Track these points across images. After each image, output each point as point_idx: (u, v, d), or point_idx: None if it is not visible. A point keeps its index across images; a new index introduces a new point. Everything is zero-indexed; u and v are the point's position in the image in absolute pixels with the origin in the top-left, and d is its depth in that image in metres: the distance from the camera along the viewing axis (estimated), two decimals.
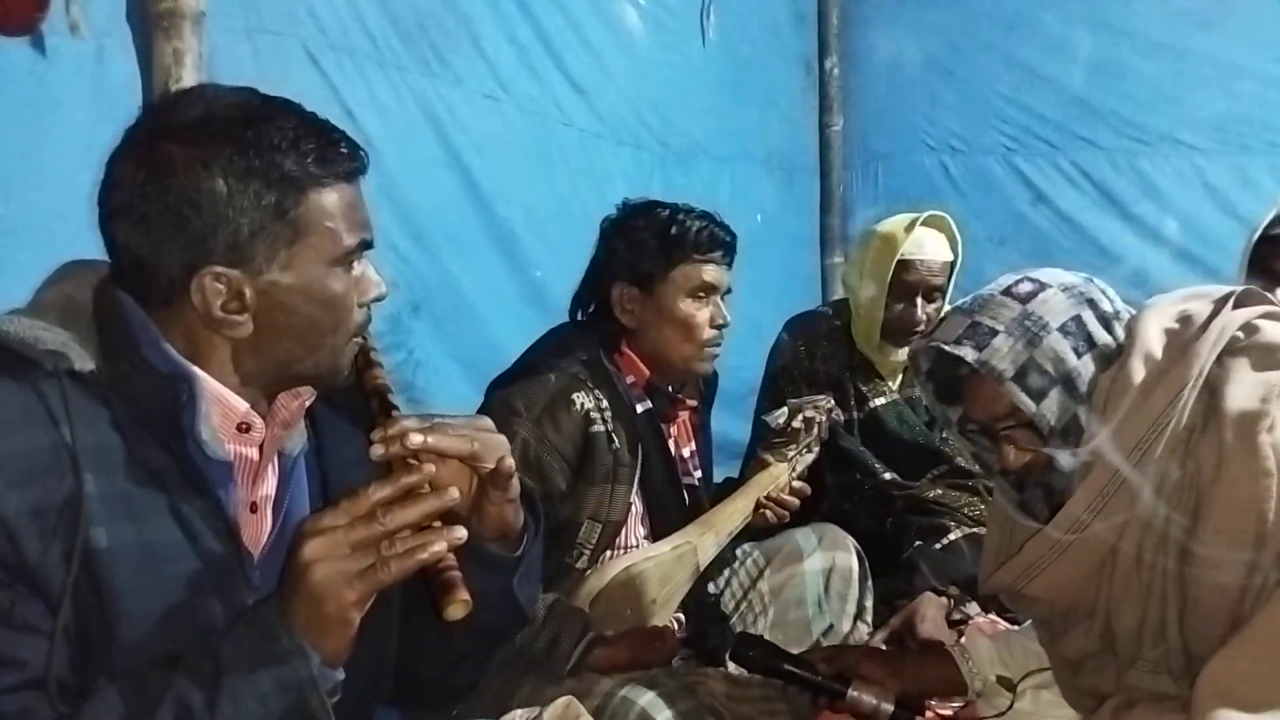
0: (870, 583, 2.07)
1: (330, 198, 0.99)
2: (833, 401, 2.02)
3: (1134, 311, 1.34)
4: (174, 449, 0.96)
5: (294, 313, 0.99)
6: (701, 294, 1.85)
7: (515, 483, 1.06)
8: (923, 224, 2.40)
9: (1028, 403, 1.28)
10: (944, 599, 2.12)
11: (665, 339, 1.85)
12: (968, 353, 1.30)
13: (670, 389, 1.92)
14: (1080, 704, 1.38)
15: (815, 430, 1.95)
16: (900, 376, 2.52)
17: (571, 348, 1.84)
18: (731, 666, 1.81)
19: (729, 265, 1.89)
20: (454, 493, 0.93)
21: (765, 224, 3.64)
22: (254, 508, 1.03)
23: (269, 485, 1.04)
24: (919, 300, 2.38)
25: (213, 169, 0.95)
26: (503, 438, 1.06)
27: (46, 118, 1.73)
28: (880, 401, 2.48)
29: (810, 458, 1.96)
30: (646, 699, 1.49)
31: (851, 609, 2.03)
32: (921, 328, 2.39)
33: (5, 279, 1.42)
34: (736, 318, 2.72)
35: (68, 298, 0.99)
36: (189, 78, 1.81)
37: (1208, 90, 3.25)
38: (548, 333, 1.93)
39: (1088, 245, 3.49)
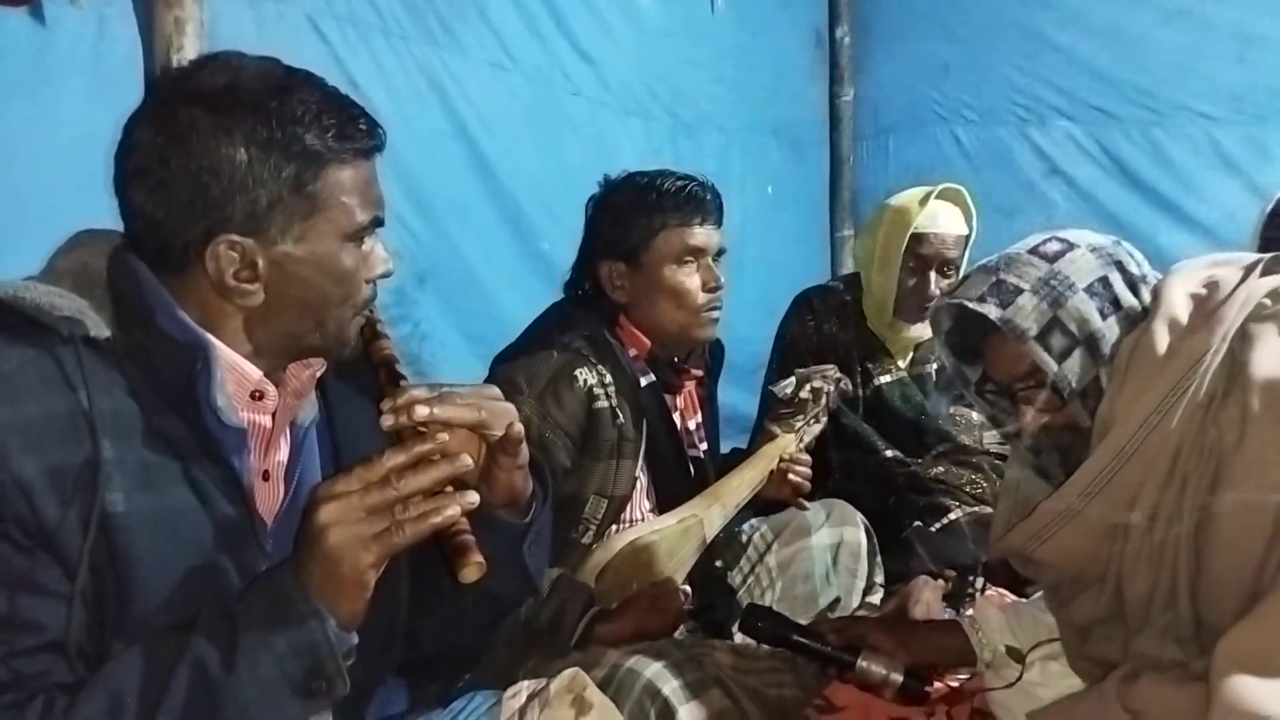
0: (880, 559, 2.06)
1: (347, 173, 1.00)
2: (839, 371, 2.01)
3: (1161, 276, 1.32)
4: (189, 416, 0.97)
5: (305, 285, 1.00)
6: (689, 258, 1.81)
7: (524, 449, 1.07)
8: (937, 197, 2.37)
9: (1049, 363, 1.26)
10: (939, 581, 2.11)
11: (659, 310, 1.82)
12: (991, 310, 1.28)
13: (674, 360, 1.90)
14: (1088, 673, 1.37)
15: (823, 400, 1.93)
16: (911, 354, 2.50)
17: (574, 323, 1.82)
18: (739, 637, 1.81)
19: (716, 225, 1.85)
20: (466, 459, 0.95)
21: (775, 195, 3.62)
22: (266, 475, 1.04)
23: (282, 453, 1.05)
24: (932, 275, 2.35)
25: (235, 137, 0.95)
26: (510, 405, 1.07)
27: (47, 88, 1.71)
28: (885, 379, 2.46)
29: (817, 428, 1.94)
30: (653, 670, 1.49)
31: (861, 584, 2.03)
32: (933, 303, 2.36)
33: (6, 249, 1.42)
34: (747, 290, 2.73)
35: (83, 265, 0.99)
36: (190, 47, 1.80)
37: (1223, 60, 3.20)
38: (550, 308, 1.92)
39: (1101, 217, 3.44)
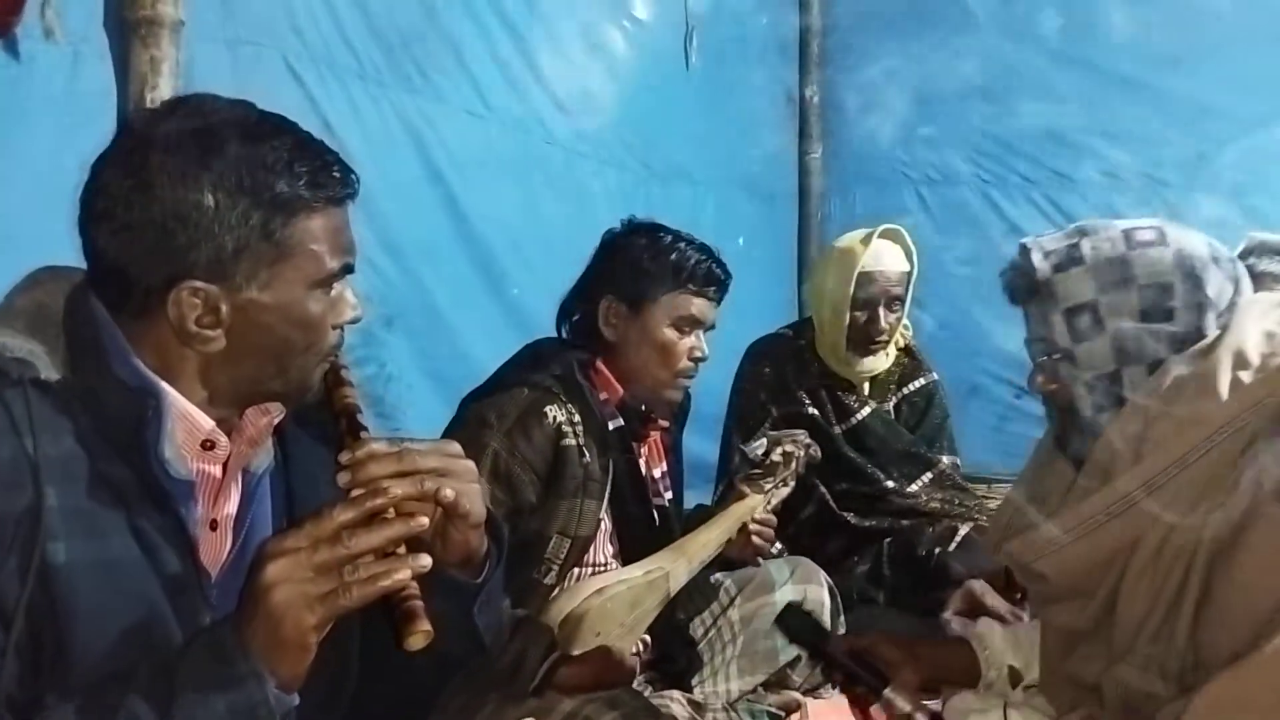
0: (842, 617, 2.08)
1: (318, 221, 0.99)
2: (809, 438, 2.04)
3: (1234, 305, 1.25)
4: (137, 463, 0.94)
5: (269, 331, 0.99)
6: (686, 326, 1.86)
7: (480, 511, 1.04)
8: (879, 237, 2.47)
9: (1064, 337, 1.23)
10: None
11: (643, 359, 1.85)
12: (1041, 265, 1.25)
13: (643, 408, 1.92)
14: (1057, 695, 1.34)
15: (793, 465, 1.96)
16: (868, 387, 2.57)
17: (546, 362, 1.84)
18: (706, 686, 1.81)
19: (718, 302, 1.91)
20: (421, 519, 0.92)
21: (746, 247, 3.66)
22: (214, 525, 1.01)
23: (231, 503, 1.03)
24: (881, 310, 2.45)
25: (203, 183, 0.94)
26: (471, 465, 1.03)
27: (19, 123, 1.72)
28: (865, 412, 2.54)
29: (785, 491, 1.96)
30: (608, 718, 1.49)
31: None
32: (883, 337, 2.47)
33: None
34: (716, 339, 2.73)
35: (39, 305, 0.98)
36: (166, 87, 1.81)
37: (1179, 129, 3.31)
38: (523, 348, 1.94)
39: None
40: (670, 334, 1.85)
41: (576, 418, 1.79)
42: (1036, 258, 1.26)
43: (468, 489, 1.00)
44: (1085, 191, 3.50)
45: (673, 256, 1.85)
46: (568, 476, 1.77)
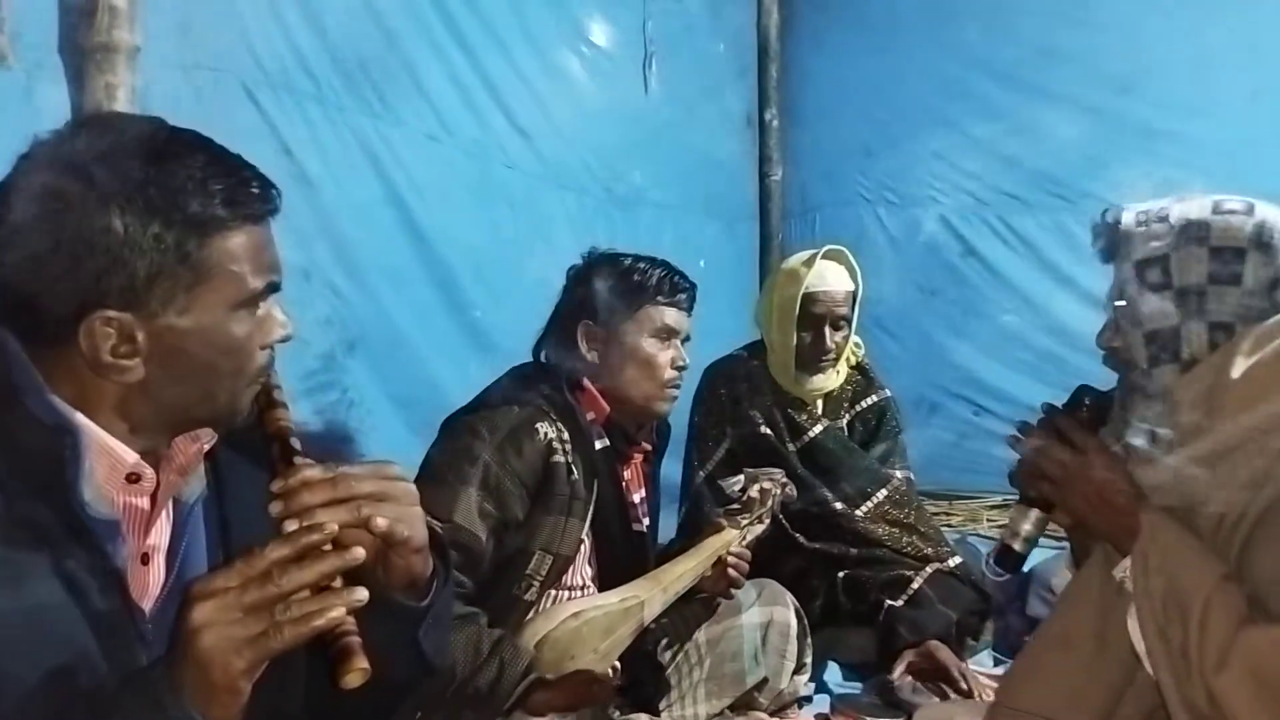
0: (809, 639, 2.09)
1: (236, 240, 0.95)
2: (785, 476, 2.07)
3: None
4: (57, 504, 0.90)
5: (191, 357, 0.95)
6: (664, 336, 1.90)
7: (422, 534, 1.00)
8: (822, 258, 2.52)
9: (1132, 288, 1.25)
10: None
11: (627, 376, 1.88)
12: (1127, 220, 1.28)
13: (628, 431, 1.93)
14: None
15: (769, 502, 1.99)
16: (821, 405, 2.62)
17: (535, 381, 1.86)
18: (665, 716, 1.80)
19: (689, 312, 1.95)
20: (358, 552, 0.88)
21: (707, 269, 3.68)
22: (145, 559, 0.98)
23: (163, 534, 1.00)
24: (826, 330, 2.50)
25: (110, 207, 0.90)
26: (411, 487, 0.99)
27: None
28: (818, 429, 2.58)
29: (760, 529, 1.99)
30: None
31: (790, 664, 2.06)
32: (830, 355, 2.53)
33: None
34: None
35: None
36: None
37: (1127, 150, 3.40)
38: (510, 370, 1.95)
39: (1014, 297, 3.62)
40: (651, 345, 1.89)
41: (566, 436, 1.81)
42: (1127, 216, 1.29)
43: (407, 513, 0.97)
44: (1038, 213, 3.58)
45: (635, 276, 1.90)
46: (555, 493, 1.78)
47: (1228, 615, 1.12)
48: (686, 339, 1.96)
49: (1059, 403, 1.37)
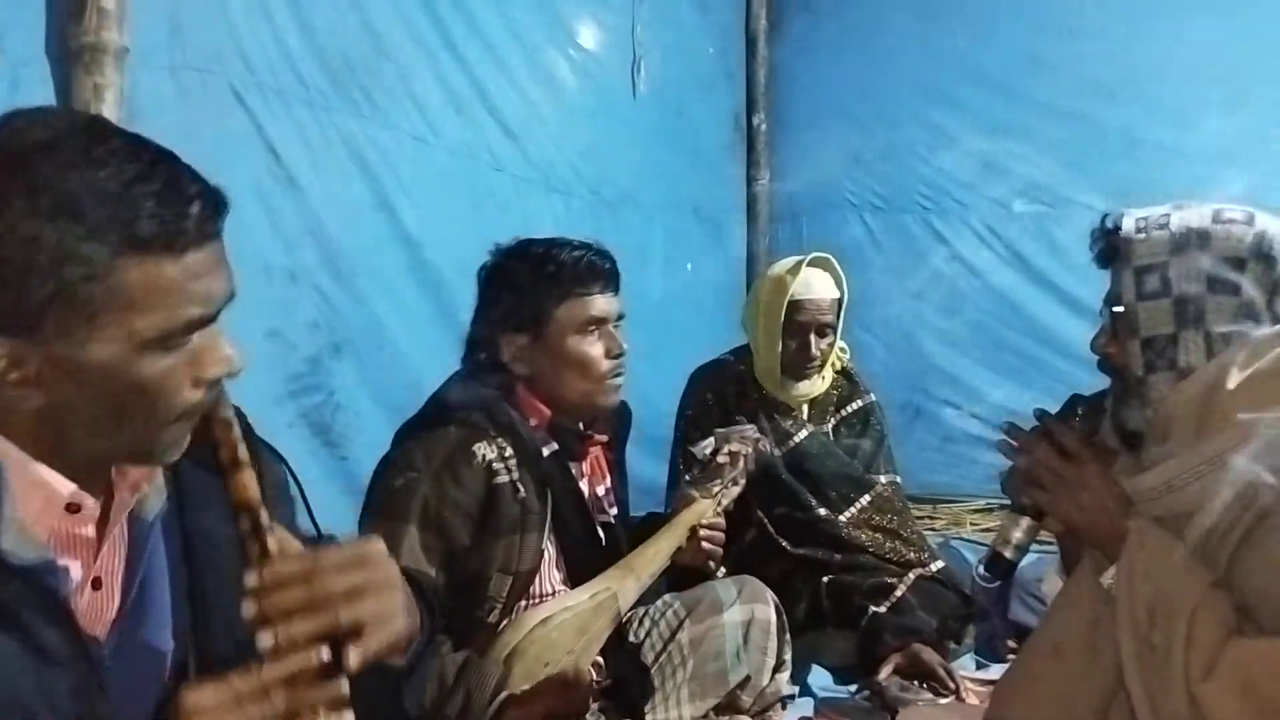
0: (789, 636, 2.10)
1: (157, 269, 0.83)
2: (758, 432, 2.05)
3: None
4: None
5: (91, 394, 0.84)
6: (591, 328, 1.79)
7: (400, 630, 0.94)
8: (808, 265, 2.53)
9: (1130, 294, 1.25)
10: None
11: (562, 380, 1.79)
12: (1127, 226, 1.29)
13: (578, 427, 1.87)
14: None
15: (741, 463, 1.93)
16: (807, 410, 2.63)
17: (472, 395, 1.78)
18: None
19: (614, 292, 1.83)
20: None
21: (694, 272, 3.71)
22: (98, 584, 0.91)
23: (117, 556, 0.93)
24: (811, 337, 2.51)
25: (5, 216, 0.79)
26: (392, 572, 0.94)
27: None
28: (802, 435, 2.59)
29: (735, 491, 1.94)
30: None
31: (771, 661, 2.04)
32: (815, 363, 2.53)
33: None
34: (665, 364, 2.77)
35: None
36: (109, 114, 1.77)
37: (1109, 156, 3.43)
38: (450, 378, 1.87)
39: (997, 301, 3.65)
40: (578, 343, 1.78)
41: (509, 451, 1.73)
42: (1127, 221, 1.29)
43: (387, 607, 0.92)
44: (1023, 219, 3.62)
45: (549, 267, 1.77)
46: (503, 515, 1.71)
47: (1216, 624, 1.13)
48: (620, 318, 1.83)
49: (1049, 409, 1.38)
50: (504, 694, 1.60)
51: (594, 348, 1.79)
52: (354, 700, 0.85)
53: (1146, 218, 1.29)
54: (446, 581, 1.66)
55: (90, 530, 0.90)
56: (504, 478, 1.72)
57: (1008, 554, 1.38)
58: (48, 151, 0.81)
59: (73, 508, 0.88)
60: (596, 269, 1.80)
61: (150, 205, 0.82)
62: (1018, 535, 1.38)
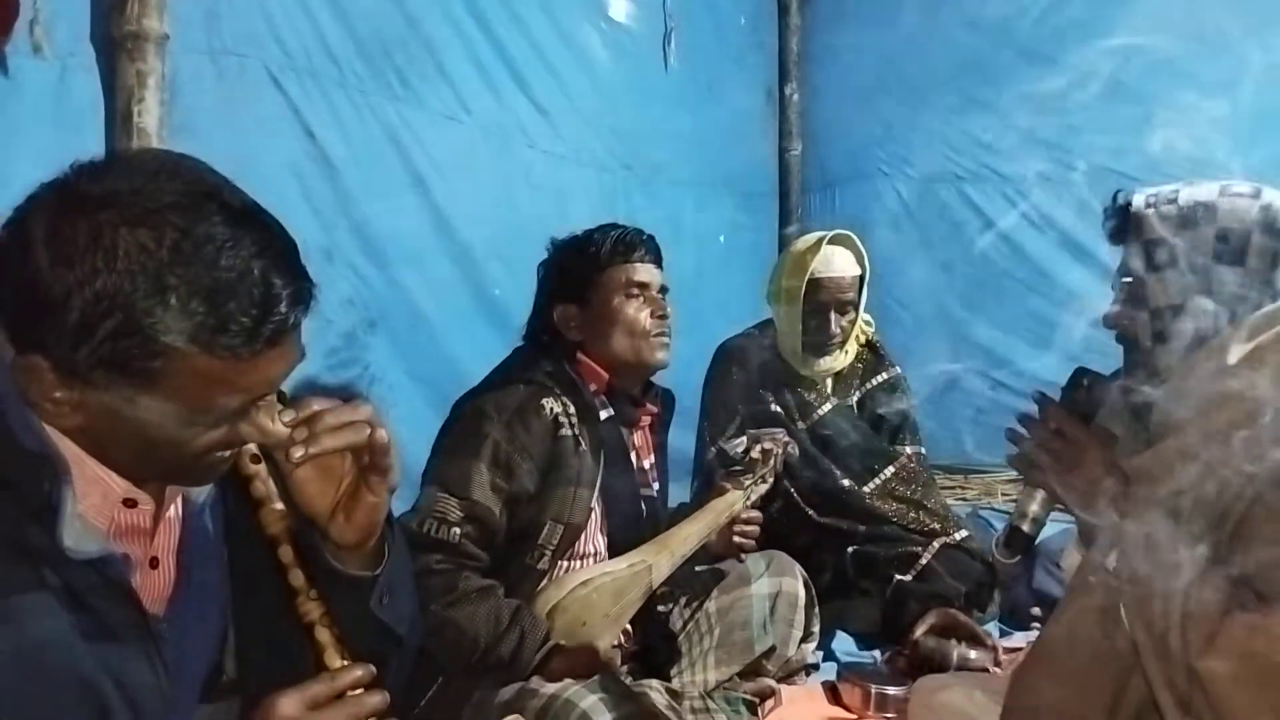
0: (817, 609, 2.15)
1: (218, 366, 0.83)
2: (788, 435, 2.11)
3: None
4: (50, 530, 0.86)
5: (129, 437, 0.87)
6: (634, 291, 1.93)
7: (395, 472, 0.99)
8: (829, 242, 2.53)
9: (1140, 266, 1.29)
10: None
11: (612, 340, 1.91)
12: (1138, 202, 1.33)
13: (631, 396, 1.97)
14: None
15: (771, 462, 2.03)
16: (831, 383, 2.65)
17: (537, 361, 1.92)
18: (677, 681, 1.87)
19: (656, 264, 1.97)
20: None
21: (727, 245, 3.72)
22: (155, 563, 0.97)
23: (172, 535, 0.98)
24: (831, 315, 2.52)
25: (85, 268, 0.78)
26: (368, 406, 0.99)
27: (9, 138, 1.74)
28: (826, 408, 2.62)
29: (764, 487, 2.03)
30: (589, 702, 1.58)
31: (798, 634, 2.11)
32: (836, 340, 2.56)
33: None
34: (700, 337, 2.79)
35: None
36: (151, 99, 1.85)
37: (1143, 124, 3.36)
38: (513, 351, 2.00)
39: (1031, 271, 3.61)
40: (623, 304, 1.91)
41: (571, 409, 1.86)
42: (1138, 198, 1.33)
43: (390, 443, 0.97)
44: (1060, 189, 3.56)
45: (590, 248, 1.93)
46: (564, 465, 1.83)
47: (1213, 599, 1.14)
48: (664, 290, 1.97)
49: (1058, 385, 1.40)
50: (551, 643, 1.71)
51: (638, 309, 1.92)
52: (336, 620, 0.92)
53: (1157, 194, 1.33)
54: (506, 523, 1.79)
55: (147, 520, 0.95)
56: (567, 431, 1.85)
57: (1025, 527, 1.40)
58: (150, 211, 0.79)
59: (129, 503, 0.93)
60: (634, 242, 1.95)
61: (236, 313, 0.81)
62: (1034, 509, 1.40)
